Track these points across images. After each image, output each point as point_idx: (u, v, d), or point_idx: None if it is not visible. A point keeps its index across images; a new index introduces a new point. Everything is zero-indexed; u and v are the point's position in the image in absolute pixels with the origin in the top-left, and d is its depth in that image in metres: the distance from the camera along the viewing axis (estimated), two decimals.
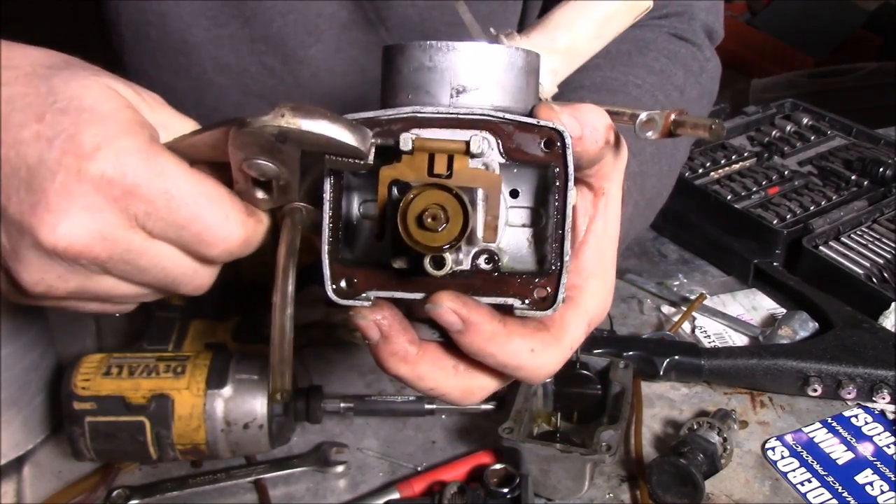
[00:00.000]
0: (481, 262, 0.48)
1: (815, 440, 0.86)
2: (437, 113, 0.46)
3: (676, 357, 0.93)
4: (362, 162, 0.46)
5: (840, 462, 0.84)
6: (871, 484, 0.81)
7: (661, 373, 0.92)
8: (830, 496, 0.80)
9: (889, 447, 0.85)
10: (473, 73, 0.47)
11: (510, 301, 0.47)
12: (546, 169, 0.47)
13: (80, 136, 0.47)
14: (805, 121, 1.37)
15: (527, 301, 0.47)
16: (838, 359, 0.90)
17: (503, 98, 0.48)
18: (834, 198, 1.17)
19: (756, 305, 1.08)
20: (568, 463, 0.77)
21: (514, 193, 0.49)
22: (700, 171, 1.23)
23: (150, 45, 0.84)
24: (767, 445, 0.86)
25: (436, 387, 0.50)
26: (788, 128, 1.35)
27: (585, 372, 0.86)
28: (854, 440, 0.86)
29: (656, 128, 0.50)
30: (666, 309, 1.07)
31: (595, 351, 0.91)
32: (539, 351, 0.49)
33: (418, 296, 0.47)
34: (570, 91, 0.73)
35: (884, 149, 1.28)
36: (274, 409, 0.78)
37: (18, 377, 0.81)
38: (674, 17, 0.93)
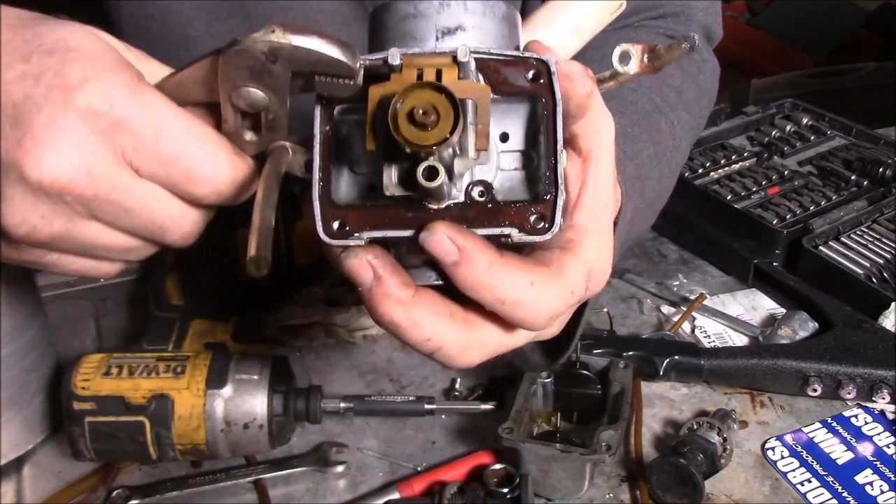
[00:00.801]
0: (475, 193, 0.47)
1: (815, 440, 0.86)
2: (424, 52, 0.46)
3: (676, 357, 0.93)
4: (352, 82, 0.45)
5: (840, 462, 0.84)
6: (870, 484, 0.81)
7: (661, 373, 0.92)
8: (830, 496, 0.80)
9: (889, 447, 0.85)
10: (458, 18, 0.48)
11: (506, 231, 0.46)
12: (535, 103, 0.47)
13: (66, 72, 0.46)
14: (805, 121, 1.37)
15: (524, 229, 0.46)
16: (838, 359, 0.90)
17: (487, 42, 0.48)
18: (834, 198, 1.17)
19: (756, 305, 1.08)
20: (568, 463, 0.77)
21: (503, 137, 0.49)
22: (700, 171, 1.23)
23: (150, 39, 0.84)
24: (767, 445, 0.86)
25: (433, 336, 0.47)
26: (788, 128, 1.35)
27: (585, 372, 0.86)
28: (854, 440, 0.86)
29: (633, 61, 0.52)
30: (666, 309, 1.07)
31: (595, 351, 0.91)
32: (539, 285, 0.47)
33: (411, 233, 0.46)
34: None
35: (884, 149, 1.28)
36: (274, 409, 0.78)
37: (18, 377, 0.81)
38: (671, 17, 0.93)
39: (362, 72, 0.46)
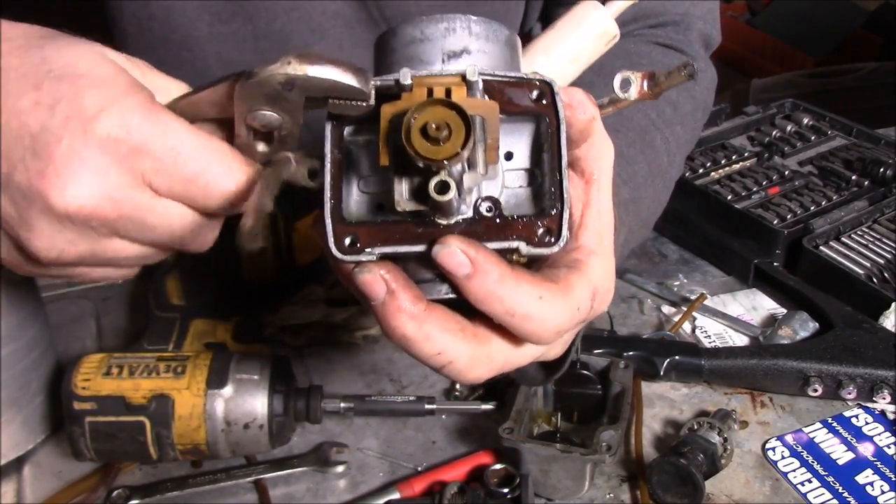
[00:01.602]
0: (483, 209, 0.48)
1: (816, 440, 0.86)
2: (432, 73, 0.47)
3: (677, 357, 0.93)
4: (364, 104, 0.47)
5: (840, 462, 0.84)
6: (871, 484, 0.81)
7: (662, 373, 0.92)
8: (831, 496, 0.80)
9: (889, 447, 0.85)
10: (463, 41, 0.49)
11: (515, 244, 0.47)
12: (538, 122, 0.48)
13: (81, 101, 0.47)
14: (805, 121, 1.37)
15: (532, 242, 0.47)
16: (838, 359, 0.90)
17: (491, 64, 0.50)
18: (834, 198, 1.17)
19: (756, 305, 1.08)
20: (568, 463, 0.77)
21: (508, 156, 0.50)
22: (700, 171, 1.23)
23: (153, 40, 0.84)
24: (768, 445, 0.86)
25: (443, 350, 0.48)
26: (789, 128, 1.35)
27: (585, 372, 0.86)
28: (854, 440, 0.86)
29: (633, 87, 0.55)
30: (666, 309, 1.07)
31: (595, 351, 0.91)
32: (547, 300, 0.48)
33: (422, 248, 0.46)
34: None
35: (884, 149, 1.27)
36: (274, 409, 0.78)
37: (19, 377, 0.81)
38: (670, 26, 0.93)
39: (373, 92, 0.47)
